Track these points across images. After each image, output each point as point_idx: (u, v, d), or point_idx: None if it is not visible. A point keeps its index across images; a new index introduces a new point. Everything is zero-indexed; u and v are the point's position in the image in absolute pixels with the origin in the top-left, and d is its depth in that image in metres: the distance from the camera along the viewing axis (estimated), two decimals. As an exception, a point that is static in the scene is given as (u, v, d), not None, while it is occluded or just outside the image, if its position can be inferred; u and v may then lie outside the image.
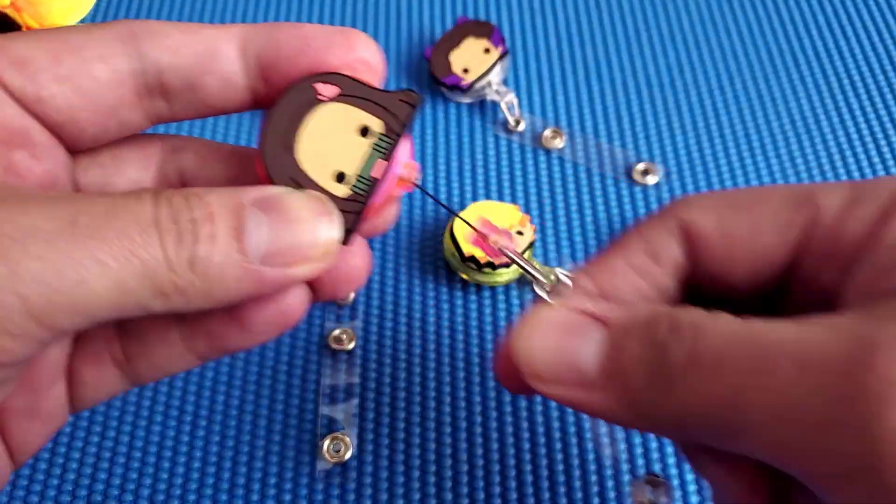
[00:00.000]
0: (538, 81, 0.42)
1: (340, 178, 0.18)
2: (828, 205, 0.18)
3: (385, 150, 0.18)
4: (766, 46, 0.42)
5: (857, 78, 0.41)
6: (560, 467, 0.31)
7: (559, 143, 0.39)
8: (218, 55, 0.19)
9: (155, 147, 0.21)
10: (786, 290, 0.20)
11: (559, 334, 0.18)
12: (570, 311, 0.18)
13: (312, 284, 0.20)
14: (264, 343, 0.22)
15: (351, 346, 0.33)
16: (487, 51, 0.39)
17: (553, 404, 0.32)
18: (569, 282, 0.20)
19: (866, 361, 0.14)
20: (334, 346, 0.33)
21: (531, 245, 0.34)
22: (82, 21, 0.42)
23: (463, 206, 0.37)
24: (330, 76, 0.18)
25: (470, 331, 0.34)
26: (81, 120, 0.18)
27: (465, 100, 0.40)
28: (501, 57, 0.39)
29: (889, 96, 0.40)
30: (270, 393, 0.33)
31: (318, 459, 0.31)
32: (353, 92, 0.18)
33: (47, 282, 0.14)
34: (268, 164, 0.18)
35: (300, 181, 0.18)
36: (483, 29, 0.40)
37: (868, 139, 0.39)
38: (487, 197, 0.38)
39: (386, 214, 0.20)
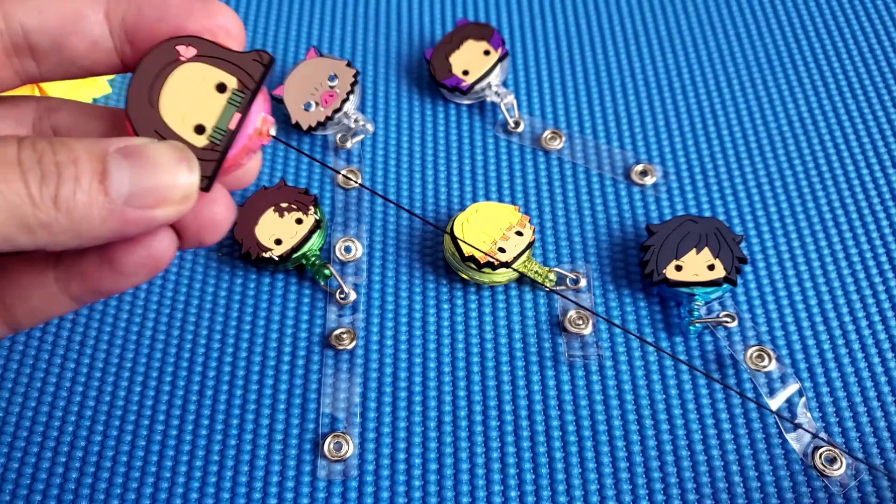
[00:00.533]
0: (537, 83, 0.42)
1: (200, 130, 0.20)
2: None
3: (240, 103, 0.20)
4: (764, 49, 0.43)
5: (854, 80, 0.41)
6: (560, 465, 0.31)
7: (558, 144, 0.39)
8: (83, 17, 0.20)
9: (29, 106, 0.22)
10: None
11: None
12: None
13: (179, 231, 0.21)
14: (136, 286, 0.24)
15: (352, 345, 0.34)
16: (487, 53, 0.40)
17: (551, 402, 0.32)
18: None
19: None
20: (335, 344, 0.34)
21: (530, 245, 0.34)
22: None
23: (463, 207, 0.37)
24: (188, 39, 0.20)
25: (470, 330, 0.34)
26: None
27: (465, 101, 0.41)
28: (501, 59, 0.40)
29: (886, 99, 0.40)
30: (272, 392, 0.33)
31: (320, 458, 0.31)
32: (210, 53, 0.20)
33: None
34: (132, 119, 0.20)
35: (162, 133, 0.19)
36: (483, 31, 0.40)
37: (866, 141, 0.39)
38: (487, 198, 0.38)
39: (248, 167, 0.22)
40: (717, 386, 0.32)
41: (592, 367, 0.33)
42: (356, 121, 0.39)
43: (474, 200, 0.38)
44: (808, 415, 0.31)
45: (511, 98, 0.40)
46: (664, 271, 0.33)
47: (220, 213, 0.21)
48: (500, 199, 0.38)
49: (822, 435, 0.31)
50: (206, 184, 0.19)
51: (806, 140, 0.39)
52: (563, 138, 0.39)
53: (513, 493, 0.31)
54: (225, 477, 0.31)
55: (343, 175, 0.30)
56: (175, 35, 0.20)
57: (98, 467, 0.31)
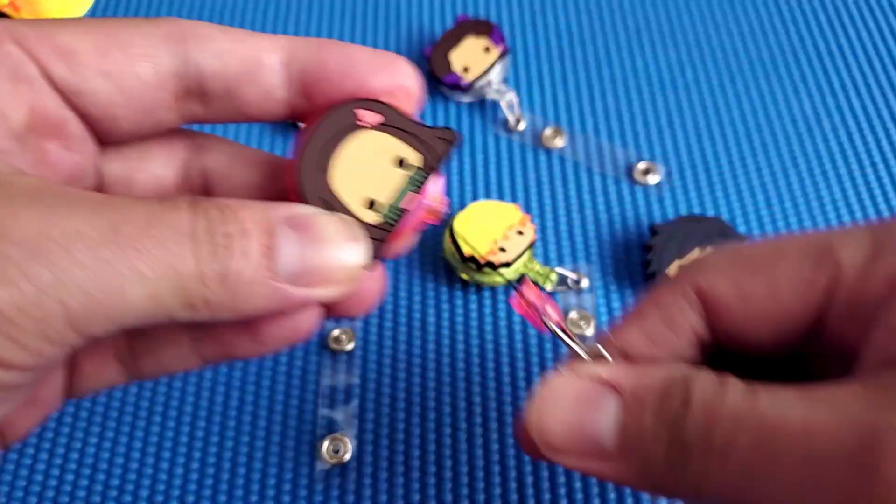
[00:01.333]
0: (538, 80, 0.41)
1: (371, 204, 0.18)
2: (848, 260, 0.18)
3: (419, 183, 0.19)
4: (768, 45, 0.42)
5: (858, 77, 0.41)
6: (559, 466, 0.31)
7: (560, 142, 0.39)
8: (261, 65, 0.19)
9: (181, 144, 0.21)
10: (814, 343, 0.19)
11: (574, 405, 0.18)
12: (583, 379, 0.18)
13: (326, 303, 0.20)
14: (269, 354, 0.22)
15: (350, 346, 0.33)
16: (487, 49, 0.39)
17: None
18: (607, 356, 0.20)
19: (871, 462, 0.14)
20: (334, 346, 0.33)
21: (531, 245, 0.33)
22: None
23: (463, 206, 0.37)
24: (374, 104, 0.19)
25: (470, 331, 0.34)
26: (118, 116, 0.18)
27: (466, 99, 0.40)
28: (501, 56, 0.39)
29: (890, 95, 0.40)
30: (270, 393, 0.33)
31: (318, 460, 0.31)
32: (394, 123, 0.19)
33: (88, 290, 0.15)
34: (302, 182, 0.18)
35: (331, 203, 0.18)
36: (483, 28, 0.40)
37: (869, 137, 0.39)
38: (488, 196, 0.38)
39: (406, 242, 0.21)
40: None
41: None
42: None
43: (475, 199, 0.38)
44: None
45: (512, 95, 0.39)
46: (667, 271, 0.33)
47: (373, 288, 0.20)
48: (501, 198, 0.38)
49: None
50: (370, 263, 0.18)
51: (810, 138, 0.39)
52: (565, 136, 0.39)
53: (514, 497, 0.30)
54: (222, 479, 0.31)
55: None
56: (356, 93, 0.19)
57: (94, 469, 0.31)
